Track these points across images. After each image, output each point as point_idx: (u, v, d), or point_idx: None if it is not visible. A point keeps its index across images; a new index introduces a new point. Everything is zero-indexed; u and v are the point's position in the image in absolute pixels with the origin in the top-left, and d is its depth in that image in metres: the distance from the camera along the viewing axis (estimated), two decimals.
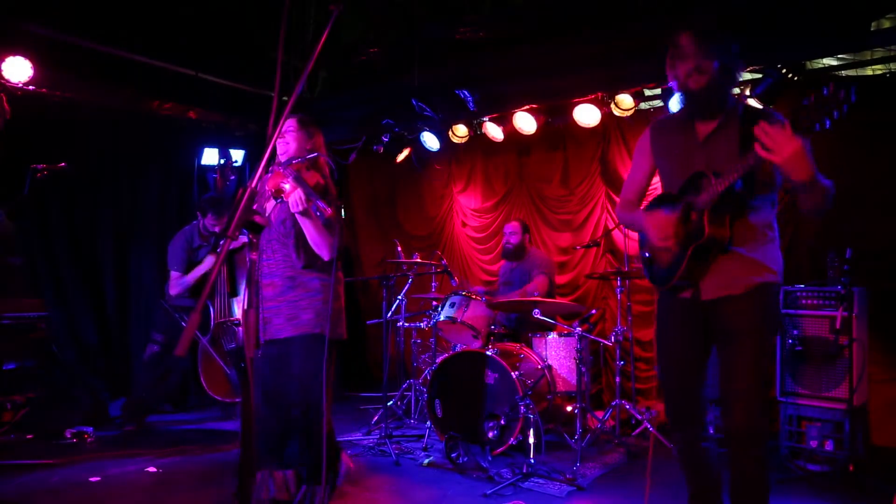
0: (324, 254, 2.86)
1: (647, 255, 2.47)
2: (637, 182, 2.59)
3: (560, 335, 4.48)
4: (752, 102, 4.32)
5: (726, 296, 2.25)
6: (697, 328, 2.36)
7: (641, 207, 2.54)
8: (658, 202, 2.42)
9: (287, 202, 2.76)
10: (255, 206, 3.09)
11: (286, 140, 2.98)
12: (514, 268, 5.25)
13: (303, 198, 2.71)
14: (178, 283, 4.64)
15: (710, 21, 4.12)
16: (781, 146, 1.90)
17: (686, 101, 2.32)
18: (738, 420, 2.20)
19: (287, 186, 2.77)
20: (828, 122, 1.88)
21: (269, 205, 2.98)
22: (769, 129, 1.92)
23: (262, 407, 2.92)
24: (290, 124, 2.99)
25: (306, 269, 2.92)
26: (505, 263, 5.41)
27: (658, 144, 2.47)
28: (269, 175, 2.89)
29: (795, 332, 4.01)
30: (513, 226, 5.27)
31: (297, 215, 2.79)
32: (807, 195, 2.10)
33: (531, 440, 3.72)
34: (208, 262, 4.71)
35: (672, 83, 2.34)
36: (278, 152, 3.01)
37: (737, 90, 2.43)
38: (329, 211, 2.75)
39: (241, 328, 4.62)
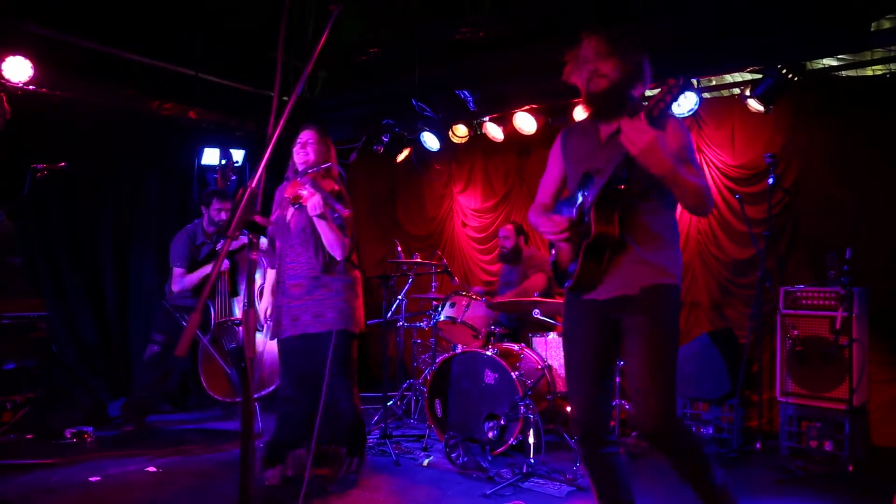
0: (337, 254, 3.17)
1: (552, 258, 2.48)
2: (548, 186, 2.58)
3: (560, 335, 4.48)
4: (753, 103, 4.33)
5: (623, 295, 2.24)
6: (602, 330, 2.33)
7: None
8: (563, 205, 2.46)
9: (306, 207, 3.06)
10: (276, 214, 3.28)
11: (307, 151, 3.30)
12: (512, 269, 5.25)
13: (320, 202, 3.01)
14: (180, 280, 4.64)
15: (710, 21, 4.13)
16: (636, 137, 1.97)
17: (587, 105, 2.34)
18: (645, 422, 2.18)
19: (305, 192, 3.06)
20: (668, 109, 2.02)
21: (290, 212, 3.27)
22: (628, 122, 2.00)
23: (295, 392, 3.33)
24: (311, 136, 3.31)
25: (327, 271, 3.25)
26: (504, 265, 5.41)
27: (567, 149, 2.49)
28: (287, 184, 3.24)
29: (795, 332, 4.01)
30: (506, 229, 5.27)
31: (314, 218, 3.07)
32: (678, 192, 2.13)
33: (531, 440, 3.72)
34: (212, 264, 4.71)
35: (577, 84, 2.39)
36: (297, 162, 3.31)
37: (649, 92, 2.39)
38: (346, 212, 3.07)
39: (241, 328, 4.62)
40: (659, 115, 2.01)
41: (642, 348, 2.19)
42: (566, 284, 2.36)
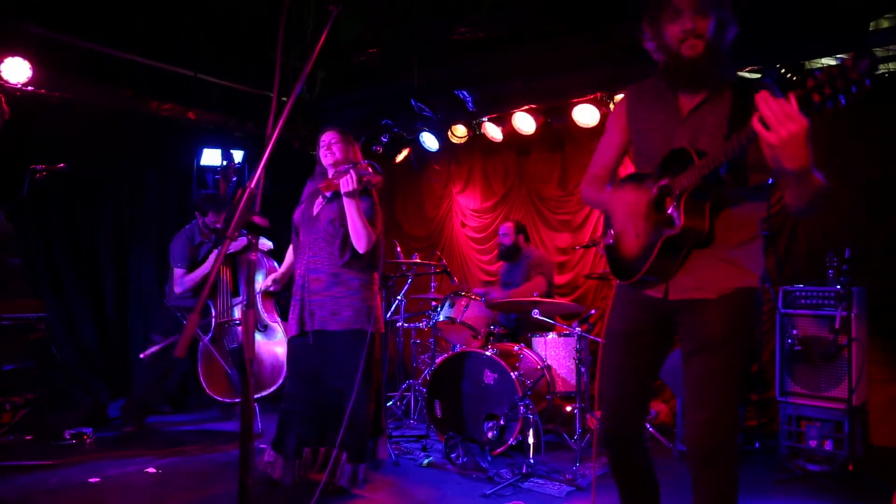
0: (361, 245, 3.17)
1: (610, 241, 2.12)
2: (608, 156, 2.21)
3: (559, 335, 4.48)
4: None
5: (698, 298, 1.93)
6: (660, 331, 2.06)
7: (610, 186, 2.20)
8: (629, 179, 2.07)
9: (340, 192, 3.13)
10: (300, 209, 3.32)
11: (332, 151, 3.35)
12: (513, 268, 5.25)
13: (355, 177, 3.08)
14: (181, 280, 4.64)
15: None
16: (782, 122, 1.54)
17: (672, 71, 1.94)
18: (700, 438, 1.91)
19: (339, 181, 3.13)
20: (843, 100, 1.48)
21: (317, 206, 3.33)
22: (771, 101, 1.56)
23: (300, 390, 3.31)
24: (333, 136, 3.36)
25: (347, 268, 3.25)
26: (504, 264, 5.42)
27: (635, 115, 2.11)
28: (318, 178, 3.36)
29: (795, 331, 4.01)
30: (506, 226, 5.27)
31: (345, 197, 3.11)
32: (796, 189, 1.75)
33: (531, 440, 3.72)
34: (211, 261, 4.71)
35: (649, 45, 1.99)
36: (325, 164, 3.37)
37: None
38: (377, 178, 3.17)
39: (241, 328, 4.62)
40: (820, 103, 1.51)
41: (712, 362, 1.90)
42: (630, 278, 2.02)
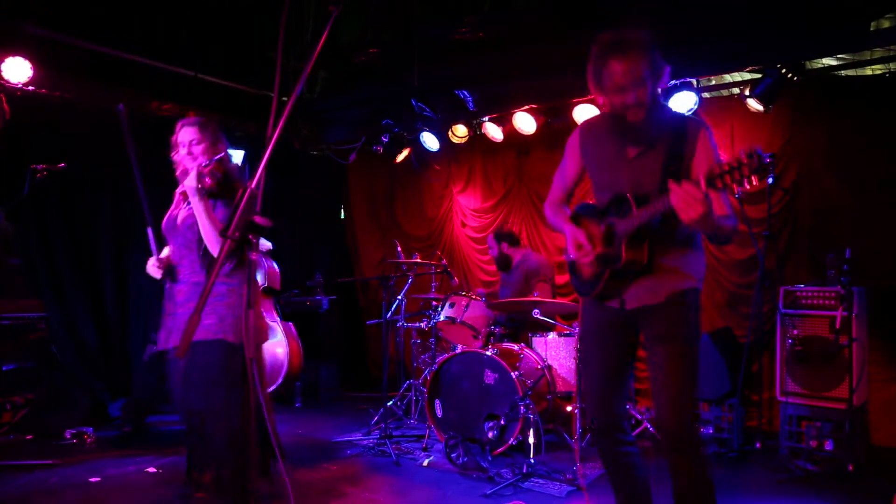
0: (213, 248, 2.74)
1: (571, 259, 2.45)
2: (565, 183, 2.57)
3: (560, 335, 4.48)
4: (752, 103, 4.32)
5: (650, 304, 2.25)
6: (623, 335, 2.37)
7: (569, 210, 2.55)
8: (584, 212, 2.44)
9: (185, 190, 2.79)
10: (166, 217, 2.99)
11: (192, 152, 2.97)
12: (510, 275, 5.25)
13: (195, 174, 2.74)
14: None
15: (709, 21, 4.13)
16: (690, 205, 1.92)
17: (618, 129, 2.24)
18: (668, 425, 2.19)
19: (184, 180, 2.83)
20: (746, 185, 1.84)
21: (179, 211, 2.99)
22: (679, 191, 1.93)
23: (183, 413, 2.89)
24: (192, 133, 2.96)
25: (208, 274, 2.82)
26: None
27: (587, 149, 2.44)
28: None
29: (795, 331, 4.01)
30: (489, 240, 5.35)
31: (191, 195, 2.76)
32: (710, 236, 2.15)
33: (531, 440, 3.72)
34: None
35: (598, 99, 2.25)
36: (187, 160, 2.97)
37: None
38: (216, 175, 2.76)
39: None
40: (723, 188, 1.90)
41: (669, 357, 2.20)
42: (586, 295, 2.39)
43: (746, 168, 1.81)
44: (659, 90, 2.18)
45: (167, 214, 3.03)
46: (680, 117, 2.32)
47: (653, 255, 2.23)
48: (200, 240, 2.83)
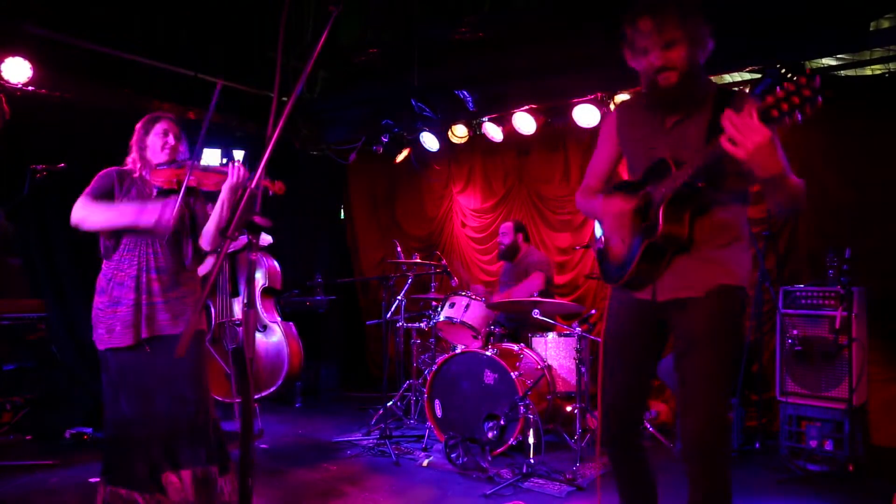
0: (216, 241, 2.87)
1: (600, 247, 2.26)
2: (600, 168, 2.34)
3: (559, 335, 4.48)
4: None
5: (685, 297, 2.01)
6: (652, 331, 2.15)
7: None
8: (618, 188, 2.21)
9: (228, 182, 2.82)
10: (128, 200, 2.93)
11: (169, 139, 3.01)
12: (512, 268, 5.25)
13: (244, 170, 2.79)
14: None
15: (709, 21, 4.12)
16: (747, 137, 1.68)
17: (651, 96, 2.05)
18: (694, 432, 1.95)
19: (210, 175, 2.89)
20: (799, 117, 1.64)
21: (151, 199, 2.95)
22: (735, 119, 1.70)
23: (148, 408, 2.79)
24: (170, 125, 3.01)
25: (193, 266, 2.96)
26: (505, 264, 5.42)
27: (623, 128, 2.24)
28: (163, 169, 2.91)
29: (795, 331, 4.01)
30: (506, 226, 5.28)
31: (228, 191, 2.81)
32: (774, 193, 1.87)
33: (531, 440, 3.72)
34: (209, 262, 4.71)
35: (633, 65, 2.07)
36: (160, 154, 2.99)
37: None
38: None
39: (241, 328, 4.62)
40: (779, 119, 1.66)
41: (703, 359, 1.96)
42: (617, 281, 2.13)
43: (807, 89, 1.59)
44: (700, 58, 1.96)
45: (125, 202, 2.99)
46: (725, 89, 2.11)
47: (693, 232, 1.97)
48: (190, 232, 2.89)
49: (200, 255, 2.97)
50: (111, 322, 2.80)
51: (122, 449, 2.78)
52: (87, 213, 2.86)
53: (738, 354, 2.06)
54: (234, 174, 2.80)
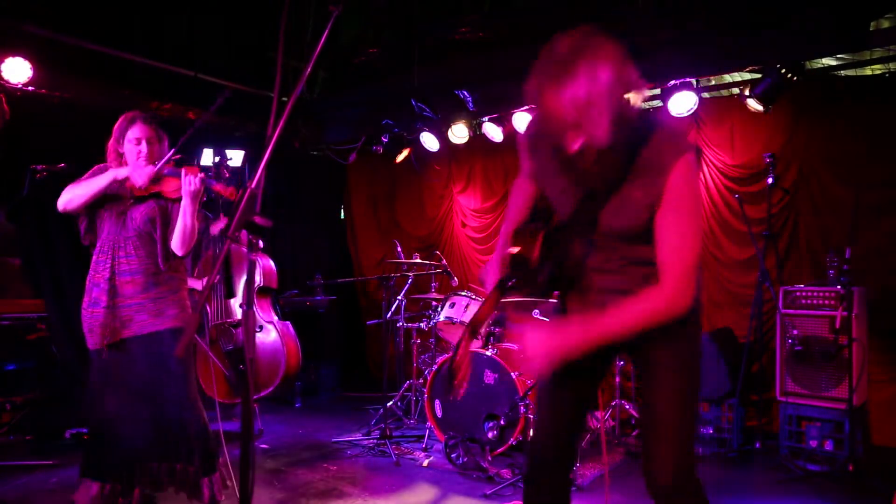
0: (188, 246, 2.89)
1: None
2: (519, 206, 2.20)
3: None
4: (752, 103, 4.31)
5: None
6: (594, 358, 1.83)
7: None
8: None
9: (184, 189, 2.82)
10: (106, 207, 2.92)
11: (142, 147, 2.95)
12: None
13: (198, 178, 2.80)
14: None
15: (709, 21, 4.12)
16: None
17: (561, 158, 1.75)
18: (657, 476, 1.76)
19: (173, 178, 2.88)
20: None
21: (127, 203, 2.97)
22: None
23: (132, 408, 2.83)
24: (146, 131, 2.95)
25: (167, 268, 2.95)
26: None
27: (534, 163, 2.08)
28: (141, 172, 2.88)
29: (795, 331, 4.01)
30: None
31: (187, 198, 2.82)
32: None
33: None
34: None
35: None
36: (143, 157, 2.95)
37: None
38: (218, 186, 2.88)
39: (239, 329, 4.62)
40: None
41: (662, 387, 1.79)
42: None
43: None
44: (630, 98, 1.63)
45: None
46: (654, 147, 1.68)
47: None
48: (163, 234, 2.91)
49: (174, 258, 2.97)
50: (91, 322, 2.86)
51: (103, 444, 2.83)
52: (70, 194, 2.88)
53: (699, 382, 1.85)
54: (188, 182, 2.81)
